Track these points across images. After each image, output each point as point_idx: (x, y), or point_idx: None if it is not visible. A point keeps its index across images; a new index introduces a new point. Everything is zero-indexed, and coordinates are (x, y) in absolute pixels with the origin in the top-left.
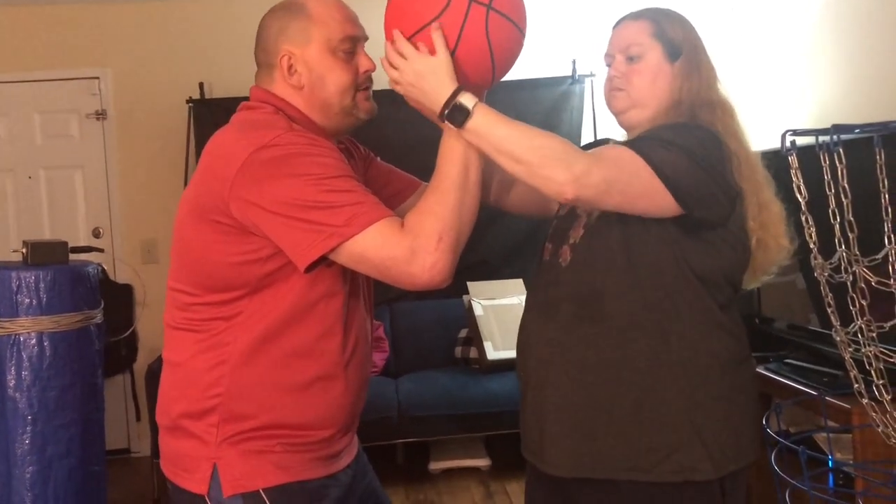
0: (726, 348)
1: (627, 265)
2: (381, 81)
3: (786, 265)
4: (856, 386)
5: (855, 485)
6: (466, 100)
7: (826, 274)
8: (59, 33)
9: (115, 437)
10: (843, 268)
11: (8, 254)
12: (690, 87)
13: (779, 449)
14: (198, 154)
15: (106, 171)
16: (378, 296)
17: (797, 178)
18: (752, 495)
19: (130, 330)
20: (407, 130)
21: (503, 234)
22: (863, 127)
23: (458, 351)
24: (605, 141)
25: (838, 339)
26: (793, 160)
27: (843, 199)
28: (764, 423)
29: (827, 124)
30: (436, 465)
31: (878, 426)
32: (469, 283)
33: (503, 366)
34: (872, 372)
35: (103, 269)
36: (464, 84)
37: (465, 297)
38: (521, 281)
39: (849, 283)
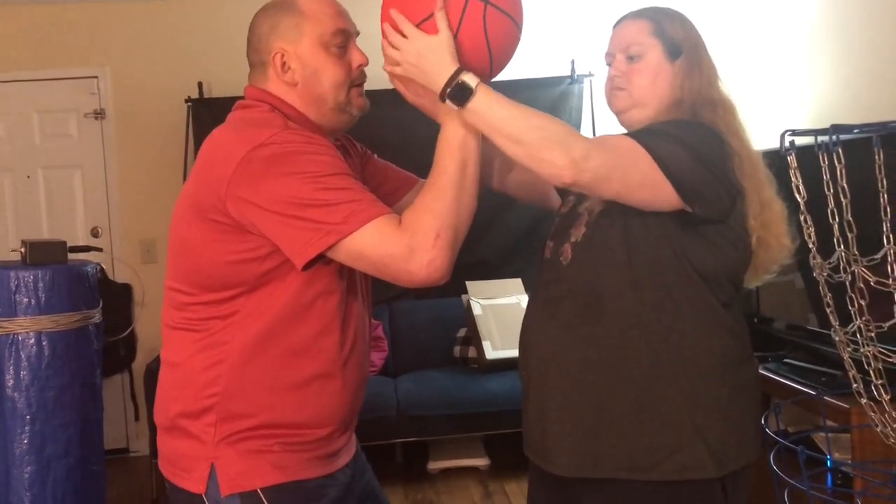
0: (728, 347)
1: (629, 264)
2: (380, 81)
3: (785, 264)
4: (854, 386)
5: (854, 484)
6: (469, 79)
7: (825, 274)
8: (58, 32)
9: (114, 436)
10: (841, 267)
11: (6, 253)
12: (691, 86)
13: (777, 449)
14: (197, 153)
15: (105, 170)
16: (377, 295)
17: (796, 178)
18: (751, 495)
19: (129, 330)
20: (404, 129)
21: (502, 234)
22: (861, 127)
23: (457, 350)
24: None
25: (837, 338)
26: (792, 160)
27: (842, 199)
28: (763, 422)
29: (826, 123)
30: (434, 465)
31: (877, 426)
32: (468, 283)
33: (502, 365)
34: (871, 372)
35: (102, 269)
36: None
37: (463, 297)
38: (519, 280)
39: (847, 283)
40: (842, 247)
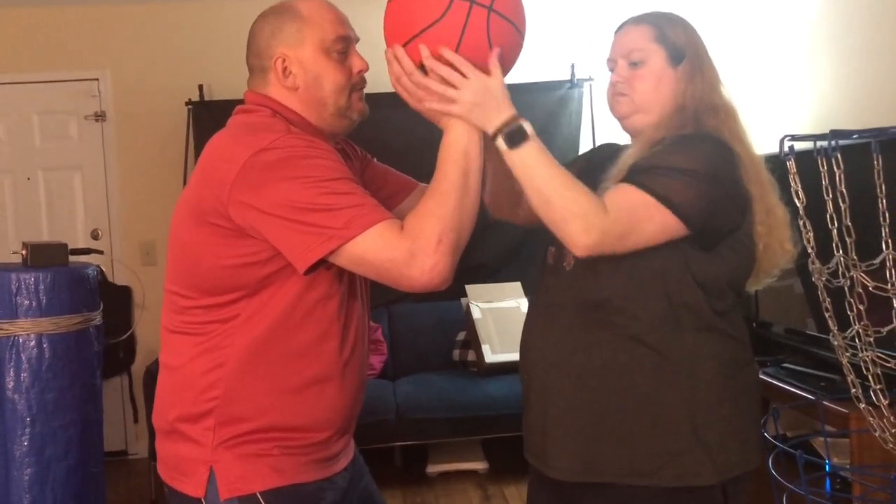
0: (729, 352)
1: (631, 270)
2: (379, 85)
3: (786, 268)
4: (853, 390)
5: (852, 489)
6: (527, 125)
7: (824, 278)
8: (59, 35)
9: (113, 439)
10: (840, 272)
11: (7, 255)
12: (694, 91)
13: (776, 453)
14: (197, 156)
15: (105, 172)
16: (376, 298)
17: (795, 183)
18: (750, 499)
19: (129, 332)
20: (404, 133)
21: (501, 238)
22: (861, 132)
23: (456, 354)
24: (606, 147)
25: (836, 343)
26: (791, 165)
27: (841, 204)
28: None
29: (826, 127)
30: (433, 468)
31: (876, 431)
32: (467, 286)
33: (501, 369)
34: (870, 377)
35: (101, 271)
36: None
37: (463, 300)
38: (519, 284)
39: (846, 288)
40: (841, 252)
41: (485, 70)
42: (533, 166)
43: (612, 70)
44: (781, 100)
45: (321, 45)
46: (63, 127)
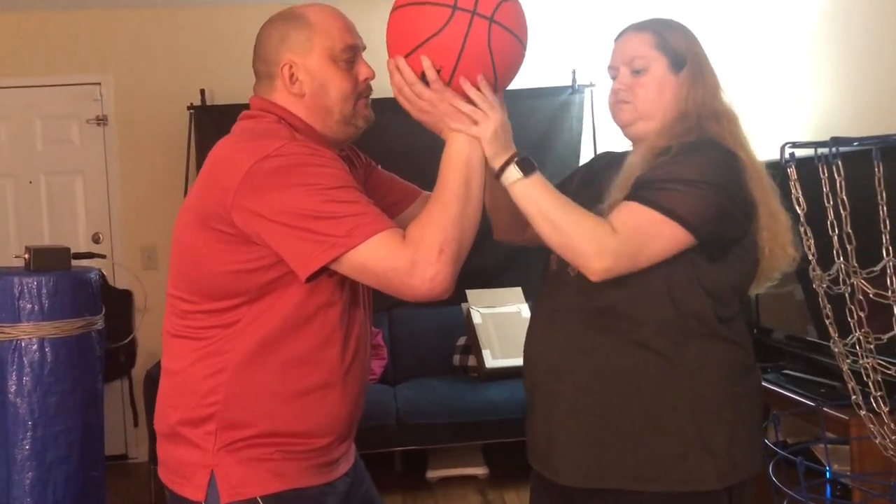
0: (733, 358)
1: (637, 277)
2: (380, 90)
3: (785, 275)
4: (853, 397)
5: (852, 496)
6: (531, 158)
7: (824, 285)
8: (61, 39)
9: (113, 442)
10: (841, 279)
11: (7, 258)
12: (696, 98)
13: (777, 460)
14: (198, 160)
15: (106, 176)
16: (376, 303)
17: (796, 190)
18: None
19: (131, 337)
20: (405, 138)
21: (502, 243)
22: (861, 140)
23: (457, 359)
24: (604, 155)
25: (836, 350)
26: (792, 172)
27: (842, 211)
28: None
29: (826, 134)
30: (433, 474)
31: (876, 437)
32: (468, 291)
33: (502, 374)
34: (870, 383)
35: (102, 275)
36: None
37: (463, 305)
38: (519, 289)
39: (847, 295)
40: (841, 259)
41: (487, 78)
42: (541, 196)
43: (613, 78)
44: (782, 106)
45: (329, 53)
46: (65, 131)
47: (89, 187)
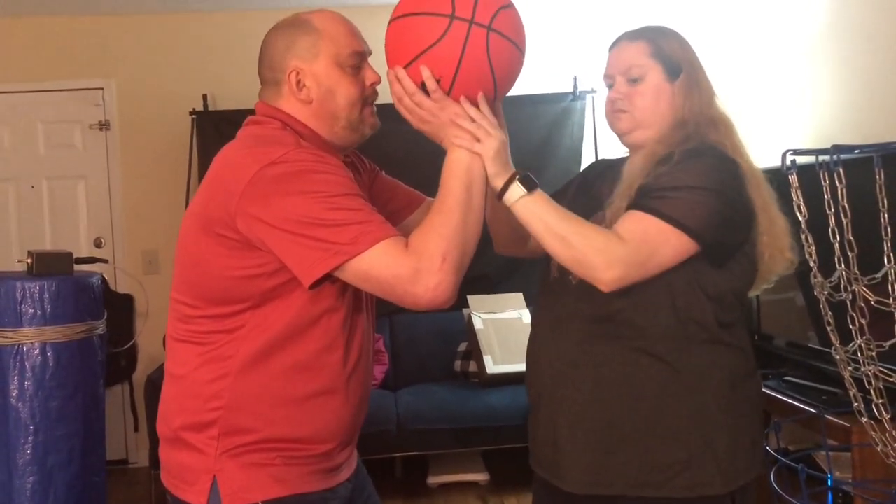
0: (735, 363)
1: (640, 284)
2: (383, 96)
3: (786, 282)
4: (855, 404)
5: None
6: (532, 175)
7: (826, 292)
8: (64, 44)
9: (114, 447)
10: (842, 286)
11: (9, 262)
12: (692, 105)
13: (778, 467)
14: (201, 165)
15: (108, 181)
16: (378, 308)
17: (797, 197)
18: None
19: (132, 342)
20: (408, 143)
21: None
22: (863, 147)
23: (458, 364)
24: (599, 163)
25: (838, 357)
26: (793, 179)
27: (843, 218)
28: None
29: (827, 141)
30: (434, 480)
31: (878, 445)
32: (469, 297)
33: (503, 380)
34: (871, 391)
35: (104, 280)
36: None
37: (464, 311)
38: (520, 295)
39: (848, 302)
40: (842, 266)
41: (486, 87)
42: (545, 211)
43: (609, 87)
44: (783, 113)
45: (336, 59)
46: (67, 136)
47: (91, 192)
